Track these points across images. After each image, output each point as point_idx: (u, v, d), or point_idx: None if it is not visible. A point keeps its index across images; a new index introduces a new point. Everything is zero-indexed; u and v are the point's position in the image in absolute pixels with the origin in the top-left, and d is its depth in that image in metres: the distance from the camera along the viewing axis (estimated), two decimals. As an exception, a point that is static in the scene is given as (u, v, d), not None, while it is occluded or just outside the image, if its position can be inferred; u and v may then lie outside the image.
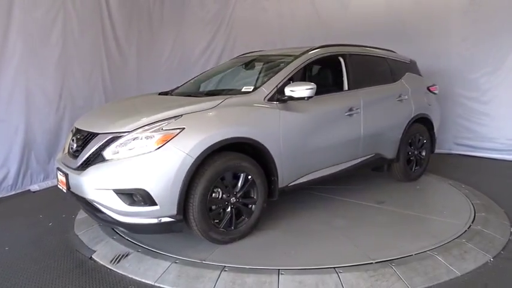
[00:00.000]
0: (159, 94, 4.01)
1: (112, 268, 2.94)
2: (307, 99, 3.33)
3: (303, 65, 3.73)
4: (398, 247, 3.02)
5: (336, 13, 6.62)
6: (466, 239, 3.17)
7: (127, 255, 3.03)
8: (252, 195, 3.23)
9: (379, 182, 4.63)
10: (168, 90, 4.20)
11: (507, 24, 5.42)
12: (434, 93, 4.93)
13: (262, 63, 4.21)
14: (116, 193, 2.79)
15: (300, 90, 3.28)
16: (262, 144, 3.17)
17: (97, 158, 2.93)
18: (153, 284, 2.72)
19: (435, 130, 4.85)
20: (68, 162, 3.20)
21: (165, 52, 6.78)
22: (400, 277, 2.68)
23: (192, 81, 4.46)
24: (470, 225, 3.42)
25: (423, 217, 3.62)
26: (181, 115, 2.95)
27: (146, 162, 2.76)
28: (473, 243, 3.13)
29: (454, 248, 3.04)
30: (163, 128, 2.85)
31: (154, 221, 2.82)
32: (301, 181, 3.57)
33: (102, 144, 2.92)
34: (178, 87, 4.33)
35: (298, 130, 3.44)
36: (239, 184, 3.12)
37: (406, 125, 4.41)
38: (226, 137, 2.97)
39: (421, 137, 4.69)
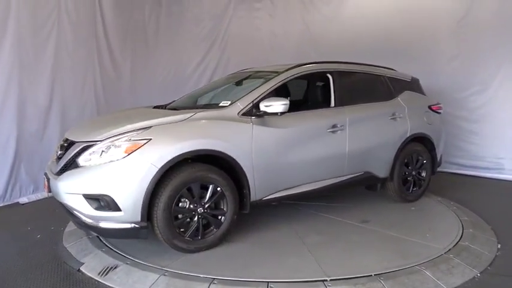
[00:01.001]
0: (154, 107, 4.04)
1: (100, 280, 2.91)
2: (280, 115, 3.41)
3: (284, 81, 3.77)
4: (361, 266, 2.97)
5: (327, 33, 6.78)
6: (454, 255, 3.20)
7: (115, 268, 3.01)
8: (222, 207, 3.30)
9: (372, 202, 4.52)
10: (163, 104, 4.24)
11: (494, 44, 5.57)
12: (438, 113, 4.80)
13: (254, 79, 4.28)
14: (84, 198, 2.96)
15: (273, 105, 3.36)
16: (232, 157, 3.23)
17: (72, 164, 3.11)
18: (141, 296, 2.70)
19: (437, 151, 4.69)
20: (53, 167, 3.36)
21: (159, 67, 6.85)
22: (388, 291, 2.70)
23: (188, 95, 4.52)
24: (450, 249, 3.38)
25: (403, 239, 3.50)
26: (151, 127, 3.09)
27: (112, 170, 2.92)
28: (461, 258, 3.16)
29: (442, 263, 3.07)
30: (132, 139, 3.00)
31: (120, 226, 2.96)
32: (277, 196, 3.57)
33: (77, 152, 3.11)
34: (174, 101, 4.38)
35: (273, 145, 3.46)
36: (207, 195, 3.20)
37: (400, 144, 4.30)
38: (191, 149, 3.07)
39: (420, 157, 4.54)
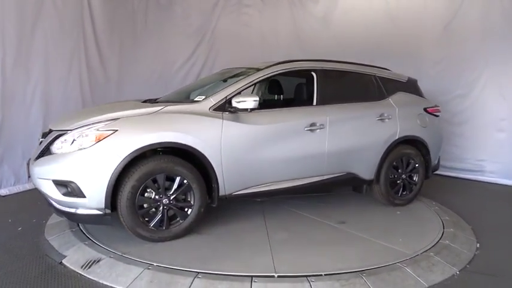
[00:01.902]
0: (143, 102, 3.96)
1: (83, 273, 2.88)
2: (250, 111, 3.47)
3: (262, 79, 3.81)
4: (312, 265, 2.97)
5: (315, 32, 6.83)
6: (435, 253, 3.27)
7: (99, 261, 2.98)
8: (189, 199, 3.35)
9: (358, 204, 4.45)
10: (154, 98, 4.21)
11: (478, 49, 5.69)
12: (435, 115, 4.68)
13: (242, 76, 4.27)
14: (53, 183, 3.10)
15: (244, 102, 3.40)
16: (199, 151, 3.28)
17: (47, 151, 3.27)
18: (124, 289, 2.69)
19: (431, 154, 4.55)
20: (35, 154, 3.44)
21: (146, 61, 6.78)
22: (370, 287, 2.74)
23: (181, 89, 4.51)
24: (439, 240, 3.53)
25: (372, 241, 3.44)
26: (118, 118, 3.20)
27: (79, 158, 3.05)
28: (441, 256, 3.23)
29: (423, 260, 3.13)
30: (99, 129, 3.12)
31: (86, 212, 3.11)
32: (249, 191, 3.59)
33: (52, 140, 3.26)
34: (167, 95, 4.36)
35: (244, 141, 3.48)
36: (174, 187, 3.26)
37: (388, 146, 4.20)
38: (154, 142, 3.14)
39: (411, 160, 4.41)
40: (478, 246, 3.57)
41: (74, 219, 3.30)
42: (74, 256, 3.10)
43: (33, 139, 5.14)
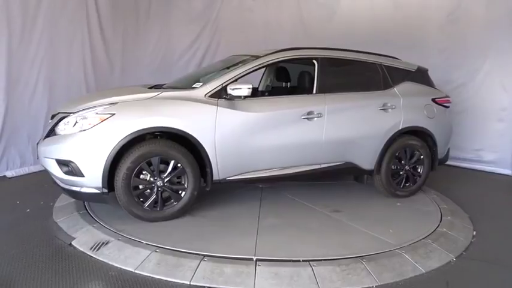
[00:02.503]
0: (150, 87, 3.98)
1: (92, 255, 2.98)
2: (244, 98, 3.54)
3: (260, 66, 3.84)
4: (293, 251, 3.02)
5: (320, 18, 6.79)
6: (432, 240, 3.38)
7: (107, 243, 3.07)
8: (183, 183, 3.48)
9: (359, 194, 4.44)
10: (161, 83, 4.26)
11: (481, 39, 5.70)
12: (445, 106, 4.56)
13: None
14: (56, 162, 3.31)
15: (238, 89, 3.47)
16: (192, 136, 3.39)
17: (52, 132, 3.46)
18: (133, 271, 2.78)
19: (438, 146, 4.45)
20: (43, 135, 3.64)
21: (149, 47, 6.80)
22: (370, 272, 2.85)
23: (188, 75, 4.58)
24: (436, 228, 3.64)
25: (362, 231, 3.44)
26: (117, 102, 3.36)
27: (79, 139, 3.24)
28: (438, 243, 3.33)
29: (421, 247, 3.24)
30: (98, 112, 3.29)
31: (85, 190, 3.31)
32: (244, 177, 3.68)
33: (57, 121, 3.44)
34: (174, 81, 4.42)
35: (239, 128, 3.56)
36: (168, 170, 3.40)
37: (390, 136, 4.15)
38: (149, 126, 3.28)
39: (416, 152, 4.33)
40: (474, 234, 3.67)
41: (77, 197, 3.48)
42: (83, 238, 3.20)
43: (37, 122, 5.22)
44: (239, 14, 7.15)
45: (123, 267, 2.82)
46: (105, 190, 3.26)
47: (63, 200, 3.99)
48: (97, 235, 3.21)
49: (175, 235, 3.21)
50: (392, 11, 6.28)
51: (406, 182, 4.38)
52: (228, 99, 3.53)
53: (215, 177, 3.56)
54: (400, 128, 4.20)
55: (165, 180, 3.41)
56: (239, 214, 3.72)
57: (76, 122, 3.30)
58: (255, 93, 4.80)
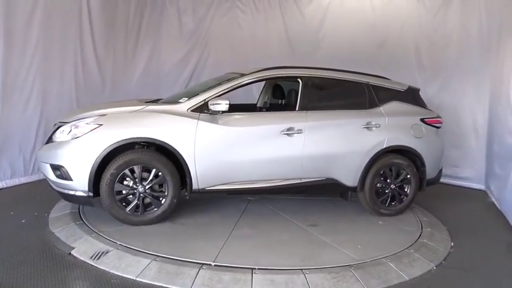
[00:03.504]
0: (147, 101, 4.15)
1: (93, 264, 3.08)
2: (222, 113, 3.77)
3: (242, 84, 4.03)
4: (255, 259, 3.16)
5: (306, 36, 7.02)
6: (414, 250, 3.61)
7: (107, 252, 3.18)
8: (164, 190, 3.72)
9: (343, 210, 4.47)
10: (158, 98, 4.44)
11: (457, 60, 6.01)
12: (434, 127, 4.60)
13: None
14: (50, 167, 3.63)
15: (217, 104, 3.72)
16: (173, 147, 3.66)
17: (50, 140, 3.82)
18: (134, 279, 2.90)
19: (427, 166, 4.46)
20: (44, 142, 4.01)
21: (140, 62, 6.88)
22: (358, 279, 3.05)
23: (185, 91, 4.80)
24: (418, 238, 3.88)
25: (330, 245, 3.54)
26: (105, 114, 3.70)
27: (69, 147, 3.58)
28: (420, 253, 3.57)
29: (404, 256, 3.47)
30: (87, 123, 3.63)
31: (74, 193, 3.61)
32: (223, 188, 3.90)
33: (54, 130, 3.81)
34: (171, 95, 4.58)
35: (218, 141, 3.79)
36: (149, 178, 3.67)
37: (373, 155, 4.21)
38: (131, 136, 3.59)
39: (402, 171, 4.37)
40: (452, 244, 3.93)
41: (67, 199, 3.76)
42: (82, 248, 3.29)
43: (29, 133, 5.27)
44: (228, 31, 7.35)
45: (125, 275, 2.94)
46: (91, 194, 3.55)
47: (58, 210, 4.06)
48: (96, 245, 3.30)
49: (144, 239, 3.41)
50: (378, 28, 6.53)
51: (392, 201, 4.40)
52: (209, 114, 3.77)
53: (194, 186, 3.78)
54: (385, 147, 4.26)
55: (147, 187, 3.66)
56: (217, 223, 3.90)
57: (70, 131, 3.63)
58: (254, 108, 5.10)
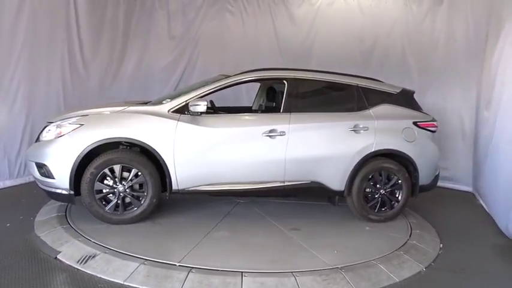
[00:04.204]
0: (140, 103, 4.17)
1: (79, 268, 3.02)
2: (200, 115, 3.77)
3: (226, 86, 4.03)
4: (223, 261, 3.13)
5: (295, 38, 7.04)
6: (404, 251, 3.62)
7: (94, 256, 3.12)
8: (144, 190, 3.76)
9: (331, 215, 4.37)
10: (149, 100, 4.45)
11: (444, 64, 6.10)
12: (428, 130, 4.43)
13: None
14: (35, 165, 3.73)
15: (195, 106, 3.72)
16: (152, 147, 3.69)
17: (37, 139, 3.91)
18: (122, 283, 2.85)
19: (420, 172, 4.30)
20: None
21: (129, 62, 6.83)
22: (349, 281, 3.04)
23: (177, 92, 4.80)
24: (407, 240, 3.88)
25: (305, 249, 3.48)
26: (87, 115, 3.79)
27: (51, 146, 3.67)
28: (410, 255, 3.58)
29: (394, 258, 3.47)
30: (70, 123, 3.70)
31: (56, 190, 3.69)
32: (203, 189, 3.89)
33: (42, 130, 3.88)
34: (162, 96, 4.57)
35: (198, 142, 3.79)
36: (129, 178, 3.72)
37: (361, 158, 4.09)
38: (111, 136, 3.64)
39: (393, 176, 4.23)
40: (441, 246, 3.95)
41: (51, 196, 3.83)
42: (69, 252, 3.22)
43: (15, 136, 5.17)
44: (218, 32, 7.30)
45: (112, 280, 2.88)
46: (72, 192, 3.63)
47: (44, 214, 4.00)
48: (83, 248, 3.24)
49: (116, 236, 3.47)
50: (368, 29, 6.56)
51: (382, 207, 4.27)
52: (190, 115, 3.78)
53: (174, 187, 3.80)
54: (373, 150, 4.13)
55: (126, 186, 3.70)
56: (196, 224, 3.88)
57: (54, 130, 3.72)
58: (249, 111, 5.06)
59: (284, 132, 3.94)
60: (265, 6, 7.22)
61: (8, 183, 5.09)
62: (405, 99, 4.54)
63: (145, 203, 3.76)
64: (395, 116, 4.34)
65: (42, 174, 3.69)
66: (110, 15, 6.47)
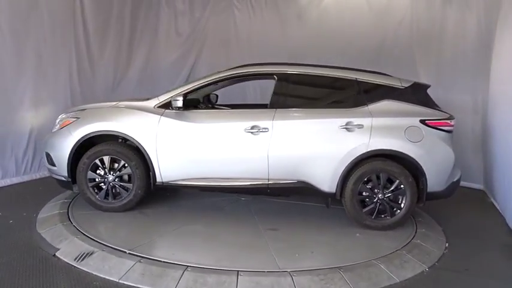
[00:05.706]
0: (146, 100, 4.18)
1: (76, 265, 3.03)
2: (178, 109, 3.86)
3: (214, 81, 4.07)
4: (184, 256, 3.15)
5: (300, 35, 6.97)
6: (406, 251, 3.52)
7: (91, 254, 3.13)
8: (131, 181, 3.98)
9: (321, 218, 4.16)
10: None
11: (454, 61, 5.96)
12: (442, 130, 3.92)
13: None
14: (45, 154, 4.17)
15: (175, 101, 3.82)
16: (136, 140, 3.90)
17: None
18: (117, 281, 2.85)
19: (428, 177, 3.83)
20: None
21: (136, 60, 6.87)
22: (347, 281, 2.97)
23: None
24: (411, 239, 3.78)
25: (267, 250, 3.37)
26: (86, 109, 4.16)
27: (54, 136, 4.10)
28: (413, 254, 3.48)
29: (396, 258, 3.38)
30: (70, 116, 4.10)
31: (58, 177, 4.12)
32: (186, 183, 3.97)
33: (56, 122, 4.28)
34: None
35: (181, 137, 3.90)
36: (117, 168, 3.98)
37: (353, 158, 3.78)
38: (101, 129, 3.94)
39: (394, 179, 3.87)
40: (447, 245, 3.83)
41: (57, 182, 4.21)
42: (67, 249, 3.24)
43: (22, 134, 5.23)
44: (225, 30, 7.29)
45: (108, 277, 2.89)
46: (69, 179, 4.00)
47: (47, 211, 4.04)
48: (81, 246, 3.26)
49: (96, 224, 3.72)
50: (372, 26, 6.47)
51: (381, 213, 3.92)
52: (174, 110, 3.88)
53: (158, 179, 3.95)
54: (368, 150, 3.80)
55: (115, 176, 3.96)
56: (179, 216, 4.03)
57: (59, 123, 4.14)
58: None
59: (267, 128, 3.82)
60: (272, 2, 7.16)
61: (15, 180, 5.16)
62: (415, 94, 4.05)
63: (131, 193, 3.96)
64: (398, 113, 3.93)
65: (49, 162, 4.12)
66: (117, 14, 6.49)
